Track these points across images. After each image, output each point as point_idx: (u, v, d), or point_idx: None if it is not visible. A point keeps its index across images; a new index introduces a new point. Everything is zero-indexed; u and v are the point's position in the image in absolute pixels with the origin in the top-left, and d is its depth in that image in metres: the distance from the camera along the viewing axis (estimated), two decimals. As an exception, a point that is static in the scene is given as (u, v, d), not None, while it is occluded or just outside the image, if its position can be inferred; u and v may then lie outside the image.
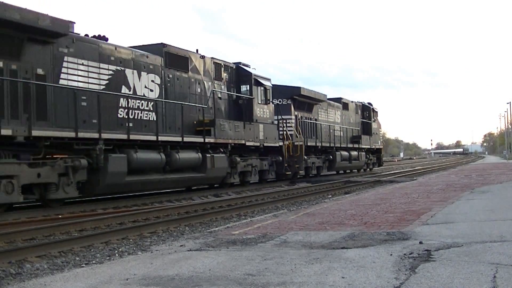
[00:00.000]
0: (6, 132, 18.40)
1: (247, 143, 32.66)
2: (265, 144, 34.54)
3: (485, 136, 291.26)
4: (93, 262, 10.96)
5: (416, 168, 67.78)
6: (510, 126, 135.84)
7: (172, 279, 7.80)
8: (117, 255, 11.97)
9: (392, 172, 54.88)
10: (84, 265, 10.61)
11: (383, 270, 7.76)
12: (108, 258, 11.48)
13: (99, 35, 23.93)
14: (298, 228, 12.85)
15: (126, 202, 24.18)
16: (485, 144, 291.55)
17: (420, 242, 9.91)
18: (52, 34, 20.62)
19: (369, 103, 57.72)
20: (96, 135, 21.86)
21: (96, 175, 22.09)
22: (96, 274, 8.53)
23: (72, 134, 20.95)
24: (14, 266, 10.93)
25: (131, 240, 14.51)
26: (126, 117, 24.05)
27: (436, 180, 33.18)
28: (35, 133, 19.38)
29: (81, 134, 21.23)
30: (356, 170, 53.94)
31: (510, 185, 25.67)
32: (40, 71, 20.53)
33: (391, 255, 8.87)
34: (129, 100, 24.36)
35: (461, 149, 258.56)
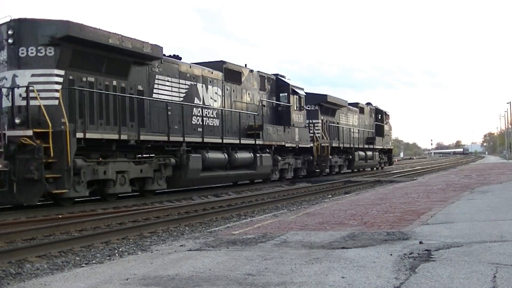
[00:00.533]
0: (124, 137, 23.49)
1: (286, 145, 37.58)
2: (299, 145, 39.66)
3: (485, 136, 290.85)
4: (93, 262, 10.96)
5: (416, 168, 67.81)
6: (510, 126, 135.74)
7: (172, 279, 7.80)
8: (117, 255, 11.98)
9: (400, 171, 56.71)
10: (84, 265, 10.61)
11: (383, 270, 7.76)
12: (108, 258, 11.49)
13: (174, 55, 28.93)
14: (298, 228, 12.85)
15: (126, 202, 24.19)
16: (485, 144, 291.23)
17: (420, 242, 9.92)
18: (150, 58, 25.55)
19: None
20: (180, 139, 27.00)
21: (180, 171, 27.14)
22: (96, 274, 8.53)
23: (165, 138, 26.14)
24: (14, 266, 10.94)
25: (131, 240, 14.52)
26: (199, 123, 29.31)
27: (436, 180, 33.17)
28: (142, 137, 24.55)
29: (172, 138, 26.50)
30: (369, 168, 58.59)
31: (510, 185, 25.67)
32: (140, 87, 25.52)
33: (391, 255, 8.88)
34: (200, 109, 29.55)
35: (461, 149, 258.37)
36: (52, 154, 20.25)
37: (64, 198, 21.59)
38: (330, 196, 27.06)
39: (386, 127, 63.80)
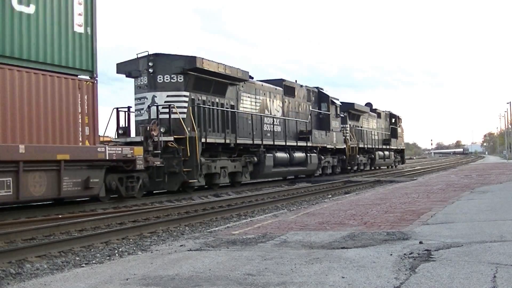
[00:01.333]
0: (227, 140, 31.77)
1: (328, 146, 45.54)
2: (336, 147, 47.67)
3: (485, 136, 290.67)
4: (93, 262, 10.96)
5: (416, 168, 68.27)
6: (510, 126, 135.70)
7: (172, 279, 7.80)
8: (117, 255, 11.98)
9: (400, 171, 58.64)
10: (84, 265, 10.61)
11: (383, 270, 7.76)
12: (108, 258, 11.49)
13: (249, 75, 35.26)
14: (298, 228, 12.85)
15: (126, 202, 24.20)
16: (485, 144, 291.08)
17: (420, 242, 9.92)
18: (239, 80, 33.64)
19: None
20: (259, 142, 35.01)
21: (258, 167, 34.85)
22: (96, 274, 8.53)
23: (250, 141, 34.23)
24: (14, 266, 10.94)
25: (131, 240, 14.52)
26: (269, 129, 37.02)
27: (436, 180, 33.18)
28: (238, 141, 32.75)
29: (255, 141, 34.61)
30: (385, 167, 66.36)
31: (510, 185, 25.67)
32: (232, 102, 33.42)
33: (391, 255, 8.88)
34: (270, 118, 37.33)
35: (461, 149, 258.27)
36: (188, 154, 27.75)
37: (189, 186, 28.71)
38: (330, 196, 27.06)
39: (399, 130, 72.21)
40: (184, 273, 8.12)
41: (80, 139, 21.47)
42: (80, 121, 21.50)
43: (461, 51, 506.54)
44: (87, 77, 22.23)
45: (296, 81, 43.22)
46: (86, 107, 21.81)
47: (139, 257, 10.12)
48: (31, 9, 19.65)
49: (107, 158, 22.45)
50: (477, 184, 26.92)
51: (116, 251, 12.66)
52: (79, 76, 21.83)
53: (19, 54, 19.31)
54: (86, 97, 21.80)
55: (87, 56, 22.08)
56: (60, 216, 19.65)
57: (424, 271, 7.63)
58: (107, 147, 22.87)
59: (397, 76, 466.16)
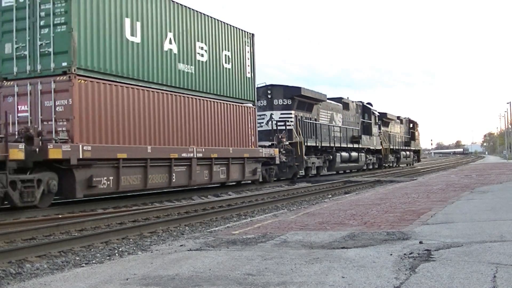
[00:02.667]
0: (318, 144, 44.84)
1: (371, 147, 59.91)
2: (376, 148, 62.09)
3: (485, 136, 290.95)
4: (93, 262, 10.97)
5: (416, 167, 68.71)
6: (510, 126, 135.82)
7: (172, 279, 7.80)
8: (117, 255, 11.98)
9: (400, 171, 60.07)
10: (84, 264, 10.61)
11: (383, 270, 7.76)
12: (108, 258, 11.49)
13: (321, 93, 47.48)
14: (298, 228, 12.85)
15: (126, 202, 24.21)
16: (485, 144, 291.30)
17: (420, 242, 9.92)
18: (321, 101, 47.09)
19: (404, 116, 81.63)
20: (333, 144, 48.38)
21: (331, 163, 48.55)
22: (96, 274, 8.53)
23: (328, 144, 47.35)
24: (14, 266, 10.94)
25: (131, 240, 14.52)
26: (335, 135, 49.79)
27: (436, 180, 33.17)
28: (323, 144, 45.94)
29: (331, 144, 47.91)
30: (405, 164, 78.04)
31: (510, 185, 25.66)
32: (315, 117, 46.21)
33: (391, 255, 8.88)
34: (336, 127, 50.52)
35: (461, 149, 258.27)
36: (299, 153, 40.30)
37: (296, 175, 41.48)
38: (330, 196, 27.07)
39: (416, 134, 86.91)
40: (184, 273, 8.12)
41: (250, 144, 34.77)
42: (250, 132, 34.83)
43: (461, 51, 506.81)
44: (251, 105, 35.51)
45: (348, 97, 56.61)
46: (251, 124, 35.15)
47: (139, 257, 10.11)
48: (229, 66, 33.02)
49: (264, 156, 35.55)
50: (477, 184, 26.91)
51: (116, 251, 12.67)
52: (247, 104, 35.01)
53: (221, 93, 32.29)
54: (250, 118, 35.06)
55: (251, 92, 35.49)
56: (60, 216, 19.65)
57: (424, 271, 7.63)
58: (263, 149, 35.92)
59: (396, 76, 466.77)
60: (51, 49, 22.34)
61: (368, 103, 60.98)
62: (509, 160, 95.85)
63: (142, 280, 7.80)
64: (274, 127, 40.21)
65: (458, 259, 8.34)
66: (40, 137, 20.70)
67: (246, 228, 13.42)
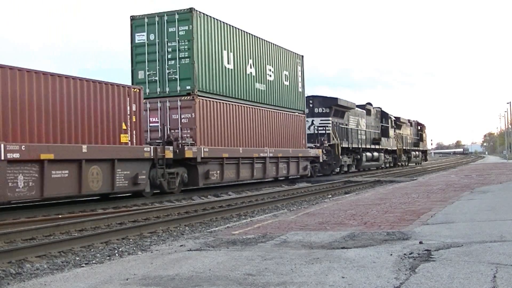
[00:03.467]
0: (350, 146, 52.96)
1: (388, 148, 67.80)
2: (392, 148, 69.96)
3: (485, 136, 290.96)
4: (93, 262, 10.96)
5: (416, 168, 68.92)
6: (510, 126, 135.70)
7: (172, 279, 7.80)
8: (117, 255, 11.98)
9: (400, 171, 60.38)
10: (84, 265, 10.61)
11: (383, 270, 7.76)
12: (108, 258, 11.49)
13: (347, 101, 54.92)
14: (298, 228, 12.85)
15: (126, 202, 24.22)
16: (485, 144, 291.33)
17: (420, 242, 9.92)
18: (351, 109, 54.20)
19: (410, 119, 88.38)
20: (360, 146, 56.03)
21: (358, 162, 55.89)
22: (96, 274, 8.53)
23: (357, 145, 55.09)
24: (14, 266, 10.94)
25: (131, 240, 14.53)
26: (360, 138, 57.31)
27: (436, 180, 33.16)
28: (353, 145, 54.00)
29: (359, 146, 55.77)
30: (414, 163, 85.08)
31: (510, 185, 25.66)
32: (346, 122, 53.07)
33: (391, 255, 8.88)
34: (361, 131, 57.97)
35: (461, 149, 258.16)
36: (336, 153, 48.23)
37: (334, 172, 49.84)
38: (330, 196, 27.09)
39: (424, 135, 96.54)
40: (184, 273, 8.12)
41: (302, 146, 42.80)
42: (301, 136, 43.17)
43: (461, 51, 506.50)
44: (302, 113, 43.95)
45: (371, 104, 64.82)
46: (302, 129, 43.52)
47: (139, 257, 10.11)
48: (287, 83, 41.52)
49: (312, 155, 43.63)
50: (477, 184, 26.91)
51: (116, 251, 12.67)
52: (299, 113, 43.39)
53: (282, 105, 40.50)
54: (302, 124, 43.66)
55: (302, 103, 44.31)
56: (60, 216, 19.67)
57: (424, 271, 7.63)
58: (311, 150, 44.11)
59: (396, 76, 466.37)
60: (177, 76, 30.59)
61: (368, 103, 64.53)
62: (509, 160, 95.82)
63: (142, 280, 7.80)
64: (316, 131, 48.31)
65: (458, 259, 8.34)
66: (177, 142, 28.54)
67: (246, 228, 13.43)
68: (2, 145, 18.77)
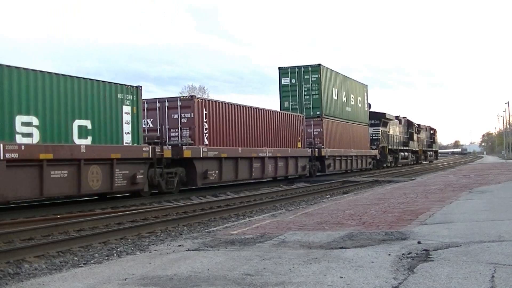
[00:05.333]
0: (389, 148, 70.38)
1: (413, 149, 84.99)
2: (415, 149, 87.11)
3: (483, 136, 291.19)
4: (92, 262, 10.95)
5: (414, 168, 69.14)
6: (508, 126, 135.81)
7: (170, 279, 7.80)
8: (115, 255, 11.97)
9: (399, 171, 59.34)
10: (82, 265, 10.60)
11: (382, 270, 7.77)
12: (106, 258, 11.48)
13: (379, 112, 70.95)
14: (297, 228, 12.86)
15: (125, 202, 24.20)
16: (483, 144, 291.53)
17: (419, 242, 9.93)
18: (391, 119, 73.43)
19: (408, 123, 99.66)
20: (397, 148, 74.27)
21: (395, 160, 73.42)
22: (94, 274, 8.53)
23: (396, 147, 73.87)
24: (12, 266, 10.92)
25: (129, 240, 14.52)
26: (396, 141, 74.02)
27: (434, 180, 33.19)
28: (394, 148, 72.76)
29: (396, 147, 74.60)
30: (428, 162, 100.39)
31: (509, 185, 25.70)
32: (388, 130, 70.32)
33: (389, 255, 8.88)
34: (396, 136, 74.52)
35: (460, 149, 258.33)
36: (385, 153, 66.50)
37: (381, 167, 65.92)
38: (329, 196, 27.09)
39: (436, 138, 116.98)
40: (183, 273, 8.12)
41: (368, 147, 59.26)
42: (367, 140, 60.59)
43: (459, 51, 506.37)
44: (367, 125, 60.31)
45: (401, 115, 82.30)
46: (367, 136, 60.80)
47: (137, 257, 10.11)
48: (360, 105, 59.70)
49: (372, 154, 60.77)
50: (476, 184, 26.94)
51: (115, 251, 12.66)
52: (366, 125, 60.27)
53: (358, 120, 58.00)
54: (367, 132, 60.16)
55: (366, 117, 60.81)
56: (58, 216, 19.64)
57: (422, 271, 7.63)
58: (373, 150, 61.27)
59: (393, 76, 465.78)
60: (310, 105, 47.75)
61: (397, 116, 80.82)
62: (508, 160, 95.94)
63: (141, 280, 7.80)
64: (371, 137, 63.61)
65: (457, 259, 8.35)
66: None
67: (244, 228, 13.44)
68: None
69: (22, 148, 19.59)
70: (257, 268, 8.24)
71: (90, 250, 13.06)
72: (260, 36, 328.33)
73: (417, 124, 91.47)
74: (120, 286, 7.60)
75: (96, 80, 23.93)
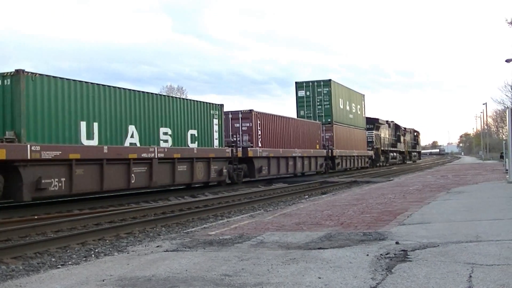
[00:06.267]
0: (382, 149, 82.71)
1: (400, 150, 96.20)
2: (401, 150, 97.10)
3: (461, 136, 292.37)
4: (69, 263, 10.91)
5: (393, 168, 69.26)
6: (486, 127, 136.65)
7: (148, 280, 7.78)
8: (93, 256, 11.92)
9: (377, 171, 59.63)
10: (60, 266, 10.55)
11: (360, 270, 7.77)
12: (84, 259, 11.43)
13: (387, 121, 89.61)
14: (275, 229, 12.85)
15: (103, 202, 24.13)
16: (461, 144, 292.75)
17: (397, 243, 9.95)
18: (383, 124, 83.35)
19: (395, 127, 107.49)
20: (387, 149, 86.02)
21: (386, 159, 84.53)
22: (72, 275, 8.48)
23: (386, 148, 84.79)
24: (-11, 267, 10.85)
25: (107, 240, 14.48)
26: (387, 143, 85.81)
27: (412, 180, 33.30)
28: (385, 149, 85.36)
29: (386, 148, 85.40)
30: (412, 161, 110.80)
31: (486, 185, 25.81)
32: (380, 133, 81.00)
33: (367, 255, 8.90)
34: (386, 139, 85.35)
35: (438, 150, 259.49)
36: (378, 154, 77.36)
37: (376, 165, 76.94)
38: (307, 196, 27.13)
39: (419, 140, 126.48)
40: (161, 274, 8.10)
41: (365, 148, 70.55)
42: (365, 142, 71.40)
43: (437, 52, 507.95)
44: (364, 130, 71.11)
45: (389, 120, 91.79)
46: (365, 139, 71.55)
47: (115, 258, 10.07)
48: (359, 112, 70.81)
49: (369, 154, 71.56)
50: (453, 184, 27.06)
51: (93, 252, 12.62)
52: (363, 129, 70.87)
53: (357, 125, 67.92)
54: (364, 136, 70.53)
55: (364, 123, 71.72)
56: (36, 217, 19.56)
57: (400, 271, 7.65)
58: (368, 151, 71.78)
59: (371, 76, 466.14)
60: (322, 114, 57.63)
61: (387, 120, 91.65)
62: (485, 161, 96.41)
63: (119, 281, 7.77)
64: (367, 140, 72.09)
65: (434, 259, 8.38)
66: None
67: (222, 228, 13.42)
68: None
69: (165, 150, 28.47)
70: (235, 269, 8.23)
71: (68, 251, 13.01)
72: (238, 36, 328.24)
73: (404, 128, 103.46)
74: (98, 287, 7.56)
75: (199, 101, 33.57)
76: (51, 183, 21.42)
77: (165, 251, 10.22)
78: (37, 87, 21.33)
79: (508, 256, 8.45)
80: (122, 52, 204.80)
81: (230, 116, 39.45)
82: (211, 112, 34.01)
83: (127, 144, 26.11)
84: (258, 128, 40.47)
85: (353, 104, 67.11)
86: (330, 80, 58.92)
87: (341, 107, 61.56)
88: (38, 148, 20.74)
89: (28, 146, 20.41)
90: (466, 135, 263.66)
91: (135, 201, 26.00)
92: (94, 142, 24.03)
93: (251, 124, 39.83)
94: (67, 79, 22.94)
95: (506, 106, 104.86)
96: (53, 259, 11.82)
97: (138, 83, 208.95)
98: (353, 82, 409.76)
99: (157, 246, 10.91)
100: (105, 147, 24.15)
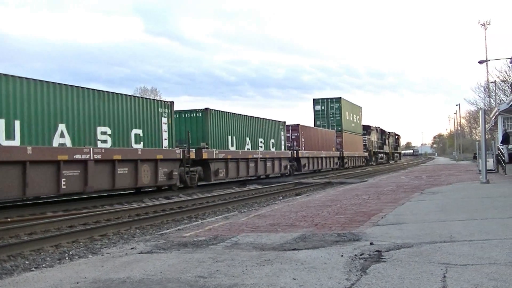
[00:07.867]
0: (373, 150, 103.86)
1: (385, 151, 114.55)
2: (386, 152, 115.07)
3: (434, 137, 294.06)
4: (43, 265, 10.86)
5: (367, 169, 69.61)
6: (459, 128, 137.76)
7: (123, 282, 7.75)
8: (67, 258, 11.88)
9: (351, 172, 59.90)
10: (34, 269, 10.50)
11: (334, 271, 7.79)
12: (58, 261, 11.39)
13: (376, 127, 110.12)
14: (249, 230, 12.85)
15: (76, 205, 24.02)
16: (435, 145, 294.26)
17: (371, 243, 9.98)
18: (372, 130, 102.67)
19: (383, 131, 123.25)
20: (376, 150, 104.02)
21: (376, 159, 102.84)
22: (46, 278, 8.43)
23: (375, 150, 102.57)
24: (-39, 271, 10.78)
25: (81, 243, 14.43)
26: (376, 145, 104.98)
27: (386, 181, 33.43)
28: (374, 150, 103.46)
29: (376, 150, 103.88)
30: (394, 161, 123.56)
31: (460, 186, 25.97)
32: (370, 138, 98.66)
33: (342, 256, 8.91)
34: (375, 142, 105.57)
35: (411, 151, 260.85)
36: (371, 154, 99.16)
37: (369, 164, 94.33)
38: (281, 198, 27.17)
39: (399, 142, 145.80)
40: (135, 276, 8.07)
41: (361, 151, 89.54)
42: (361, 146, 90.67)
43: (410, 53, 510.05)
44: (361, 135, 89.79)
45: (378, 126, 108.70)
46: (361, 142, 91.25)
47: (89, 261, 10.03)
48: (357, 120, 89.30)
49: (365, 155, 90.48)
50: (427, 185, 27.20)
51: (67, 254, 12.57)
52: (360, 135, 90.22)
53: (355, 131, 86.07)
54: (360, 140, 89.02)
55: (360, 129, 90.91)
56: (9, 219, 19.44)
57: (375, 271, 7.67)
58: (364, 152, 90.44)
59: (344, 77, 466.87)
60: (334, 124, 76.51)
61: (375, 126, 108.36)
62: (459, 162, 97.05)
63: (93, 284, 7.74)
64: (362, 143, 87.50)
65: (409, 259, 8.41)
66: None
67: (197, 230, 13.40)
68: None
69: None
70: (210, 270, 8.22)
71: (42, 253, 12.95)
72: (210, 37, 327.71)
73: (388, 132, 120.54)
74: (72, 289, 7.53)
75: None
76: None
77: (139, 253, 10.19)
78: None
79: (482, 256, 8.50)
80: (94, 54, 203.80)
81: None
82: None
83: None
84: (302, 136, 57.57)
85: (354, 115, 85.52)
86: (340, 97, 78.03)
87: (347, 118, 79.61)
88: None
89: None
90: (440, 136, 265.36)
91: (109, 202, 25.89)
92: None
93: (297, 134, 57.06)
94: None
95: (479, 107, 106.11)
96: (26, 262, 11.76)
97: (111, 84, 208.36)
98: (325, 84, 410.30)
99: (132, 248, 10.87)
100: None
